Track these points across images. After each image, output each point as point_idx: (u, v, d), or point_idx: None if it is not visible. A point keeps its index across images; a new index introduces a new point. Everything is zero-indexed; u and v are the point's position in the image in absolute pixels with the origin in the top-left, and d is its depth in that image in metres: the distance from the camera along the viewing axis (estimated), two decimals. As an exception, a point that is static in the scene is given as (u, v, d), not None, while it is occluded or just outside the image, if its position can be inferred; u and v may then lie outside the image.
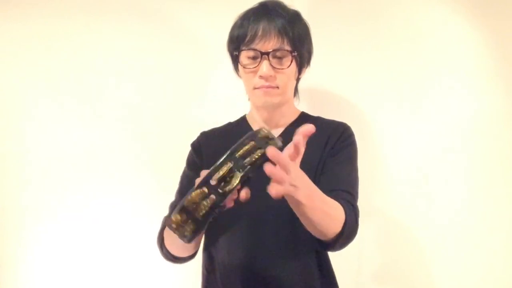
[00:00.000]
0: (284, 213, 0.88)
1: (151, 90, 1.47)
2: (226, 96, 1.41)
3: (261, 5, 1.04)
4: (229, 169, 0.68)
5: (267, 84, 1.01)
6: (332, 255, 1.07)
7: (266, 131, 0.74)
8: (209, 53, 1.42)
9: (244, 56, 1.02)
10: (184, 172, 1.13)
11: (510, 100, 1.40)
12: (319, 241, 0.92)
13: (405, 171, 1.41)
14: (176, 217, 0.70)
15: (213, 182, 0.69)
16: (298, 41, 1.01)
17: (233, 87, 1.20)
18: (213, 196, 0.69)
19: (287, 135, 1.04)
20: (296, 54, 1.01)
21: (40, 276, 1.46)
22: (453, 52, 1.41)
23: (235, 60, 1.06)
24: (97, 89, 1.47)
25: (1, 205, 1.47)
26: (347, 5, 1.43)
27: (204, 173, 0.71)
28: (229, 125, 1.17)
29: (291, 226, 0.97)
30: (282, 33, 0.99)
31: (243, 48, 1.01)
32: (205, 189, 0.69)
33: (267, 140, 0.72)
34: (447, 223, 1.40)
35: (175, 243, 1.00)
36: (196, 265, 1.10)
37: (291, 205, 0.78)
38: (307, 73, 1.12)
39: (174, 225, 0.70)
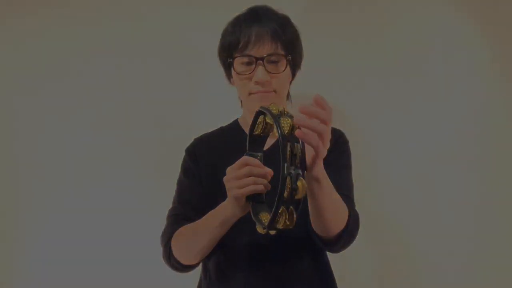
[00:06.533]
0: None
1: (148, 90, 1.47)
2: (218, 98, 1.40)
3: (250, 11, 1.03)
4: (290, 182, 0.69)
5: (263, 89, 0.99)
6: (331, 256, 1.08)
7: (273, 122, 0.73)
8: (202, 57, 1.40)
9: (238, 62, 1.00)
10: (180, 180, 1.09)
11: (511, 100, 1.40)
12: (321, 240, 0.92)
13: (405, 172, 1.42)
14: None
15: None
16: (291, 44, 1.00)
17: (224, 91, 1.17)
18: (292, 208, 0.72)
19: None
20: (290, 58, 1.00)
21: (40, 276, 1.47)
22: (454, 53, 1.41)
23: (228, 67, 1.04)
24: (96, 91, 1.47)
25: (1, 205, 1.47)
26: (348, 7, 1.42)
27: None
28: (221, 130, 1.14)
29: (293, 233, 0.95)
30: (275, 37, 0.98)
31: (237, 55, 0.99)
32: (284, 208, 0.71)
33: (288, 121, 0.72)
34: (446, 224, 1.40)
35: (189, 251, 0.98)
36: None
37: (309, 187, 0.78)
38: (308, 77, 1.11)
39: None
